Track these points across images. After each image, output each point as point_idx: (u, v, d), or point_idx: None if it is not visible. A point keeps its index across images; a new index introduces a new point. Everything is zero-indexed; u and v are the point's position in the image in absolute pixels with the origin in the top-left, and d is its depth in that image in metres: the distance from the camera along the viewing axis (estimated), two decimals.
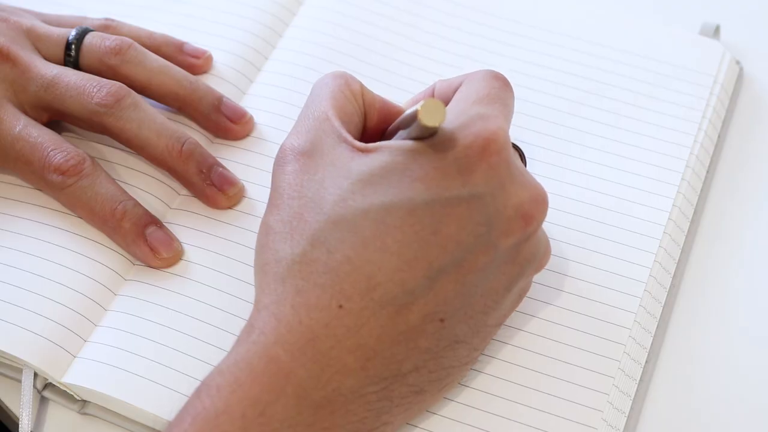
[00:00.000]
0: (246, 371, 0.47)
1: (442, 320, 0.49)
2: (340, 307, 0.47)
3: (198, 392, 0.47)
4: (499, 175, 0.49)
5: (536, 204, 0.50)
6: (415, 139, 0.49)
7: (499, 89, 0.52)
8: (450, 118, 0.50)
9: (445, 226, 0.48)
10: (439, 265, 0.48)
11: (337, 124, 0.51)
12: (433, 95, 0.55)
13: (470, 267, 0.49)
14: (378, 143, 0.50)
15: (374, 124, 0.55)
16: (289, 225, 0.49)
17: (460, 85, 0.53)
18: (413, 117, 0.48)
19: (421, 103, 0.48)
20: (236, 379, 0.47)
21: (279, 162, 0.51)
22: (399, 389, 0.49)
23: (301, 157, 0.51)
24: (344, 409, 0.48)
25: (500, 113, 0.51)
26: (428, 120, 0.47)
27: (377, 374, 0.48)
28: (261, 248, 0.50)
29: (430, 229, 0.48)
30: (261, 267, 0.50)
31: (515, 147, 0.55)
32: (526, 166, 0.55)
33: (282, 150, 0.52)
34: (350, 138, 0.51)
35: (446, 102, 0.53)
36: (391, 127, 0.54)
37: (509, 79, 0.54)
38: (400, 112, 0.55)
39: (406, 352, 0.48)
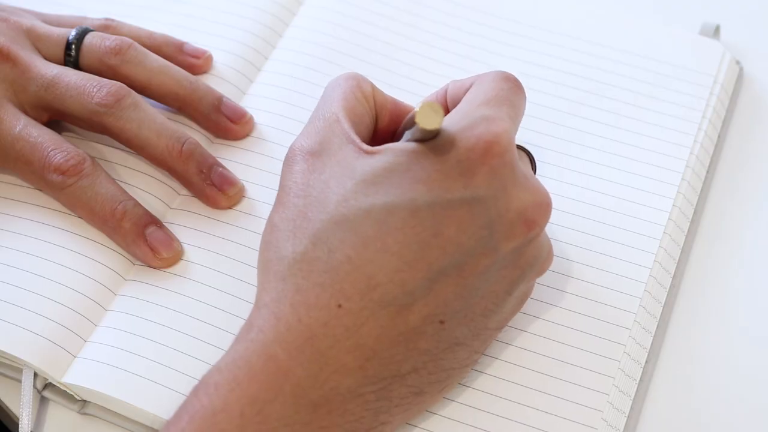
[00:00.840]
0: (244, 369, 0.47)
1: (442, 322, 0.49)
2: (340, 306, 0.47)
3: (196, 390, 0.47)
4: (501, 178, 0.49)
5: (539, 208, 0.50)
6: (419, 141, 0.49)
7: (508, 91, 0.52)
8: (455, 120, 0.50)
9: (446, 228, 0.48)
10: (439, 267, 0.48)
11: (346, 126, 0.51)
12: (446, 96, 0.55)
13: (471, 270, 0.49)
14: (384, 146, 0.50)
15: (385, 125, 0.55)
16: (293, 223, 0.49)
17: (471, 86, 0.53)
18: (413, 119, 0.49)
19: (419, 105, 0.48)
20: (234, 377, 0.47)
21: (288, 161, 0.52)
22: (398, 390, 0.49)
23: (309, 157, 0.51)
24: (342, 408, 0.48)
25: (506, 115, 0.51)
26: (425, 122, 0.47)
27: (376, 374, 0.48)
28: (265, 245, 0.50)
29: (431, 230, 0.48)
30: (263, 264, 0.50)
31: (525, 151, 0.54)
32: (535, 170, 0.55)
33: (291, 150, 0.52)
34: (358, 140, 0.51)
35: (457, 103, 0.53)
36: (399, 128, 0.55)
37: None
38: (400, 103, 0.55)
39: (405, 353, 0.48)
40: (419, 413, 0.52)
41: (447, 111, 0.54)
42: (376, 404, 0.48)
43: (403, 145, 0.50)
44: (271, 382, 0.47)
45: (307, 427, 0.47)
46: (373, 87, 0.55)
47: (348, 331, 0.47)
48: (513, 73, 0.53)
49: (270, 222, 0.51)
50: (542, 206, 0.50)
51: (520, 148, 0.54)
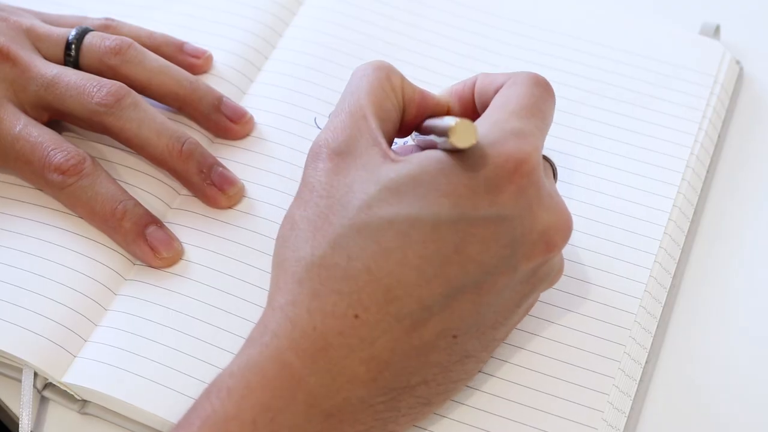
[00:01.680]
0: (258, 376, 0.46)
1: (455, 336, 0.49)
2: (356, 316, 0.47)
3: (208, 394, 0.47)
4: (527, 197, 0.48)
5: (560, 231, 0.50)
6: (447, 151, 0.49)
7: (540, 98, 0.51)
8: (485, 130, 0.49)
9: (468, 245, 0.47)
10: (458, 284, 0.48)
11: (373, 124, 0.51)
12: (473, 88, 0.54)
13: (488, 288, 0.48)
14: (410, 156, 0.49)
15: (412, 118, 0.54)
16: (313, 224, 0.49)
17: (501, 85, 0.52)
18: (445, 132, 0.48)
19: (455, 122, 0.47)
20: (248, 383, 0.46)
21: (313, 157, 0.51)
22: (407, 400, 0.49)
23: (334, 156, 0.50)
24: (352, 418, 0.47)
25: (536, 129, 0.50)
26: (459, 141, 0.47)
27: (387, 386, 0.48)
28: (283, 242, 0.50)
29: (452, 247, 0.47)
30: (279, 262, 0.49)
31: (547, 160, 0.54)
32: (556, 179, 0.55)
33: (317, 145, 0.51)
34: (384, 143, 0.50)
35: (486, 101, 0.52)
36: (425, 124, 0.53)
37: None
38: (438, 104, 0.54)
39: (417, 365, 0.48)
40: (424, 419, 0.52)
41: (473, 105, 0.53)
42: (385, 414, 0.48)
43: (431, 154, 0.49)
44: (284, 390, 0.46)
45: None
46: (402, 79, 0.53)
47: (363, 342, 0.47)
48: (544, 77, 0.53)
49: (290, 217, 0.50)
50: (563, 228, 0.50)
51: (543, 157, 0.53)
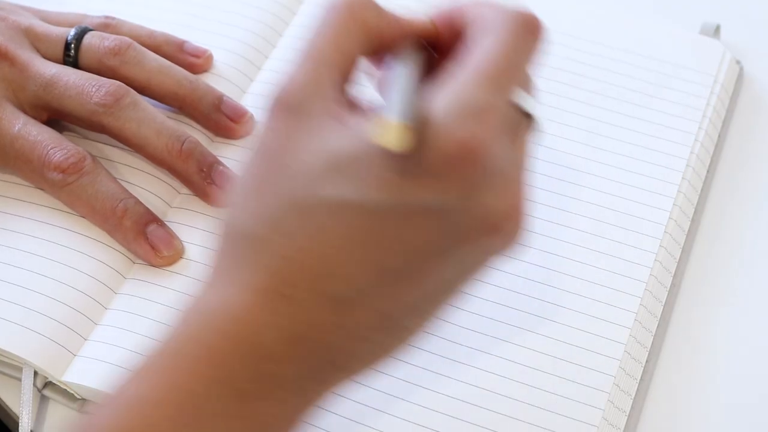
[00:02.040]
0: (182, 356, 0.45)
1: (389, 316, 0.47)
2: (283, 294, 0.46)
3: (136, 374, 0.45)
4: (472, 185, 0.45)
5: (508, 215, 0.47)
6: None
7: (521, 52, 0.47)
8: (443, 105, 0.45)
9: (405, 231, 0.45)
10: (392, 270, 0.46)
11: (329, 74, 0.47)
12: (463, 16, 0.49)
13: (426, 274, 0.46)
14: (360, 119, 0.46)
15: (389, 50, 0.49)
16: (256, 193, 0.46)
17: (487, 25, 0.47)
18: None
19: (384, 122, 0.43)
20: (175, 364, 0.45)
21: (271, 110, 0.47)
22: (328, 371, 0.47)
23: (285, 113, 0.47)
24: (269, 395, 0.46)
25: (502, 101, 0.46)
26: (386, 142, 0.43)
27: (307, 362, 0.46)
28: (230, 206, 0.47)
29: (388, 233, 0.45)
30: (225, 233, 0.47)
31: (523, 112, 0.48)
32: (536, 131, 0.49)
33: (273, 95, 0.47)
34: (339, 100, 0.47)
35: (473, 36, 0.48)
36: (387, 77, 0.48)
37: None
38: (415, 28, 0.50)
39: (343, 342, 0.47)
40: (348, 385, 0.48)
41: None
42: (307, 387, 0.46)
43: None
44: (206, 373, 0.44)
45: (240, 419, 0.46)
46: (378, 14, 0.48)
47: (289, 319, 0.45)
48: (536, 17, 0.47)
49: (240, 180, 0.47)
50: (512, 212, 0.47)
51: (517, 110, 0.48)
